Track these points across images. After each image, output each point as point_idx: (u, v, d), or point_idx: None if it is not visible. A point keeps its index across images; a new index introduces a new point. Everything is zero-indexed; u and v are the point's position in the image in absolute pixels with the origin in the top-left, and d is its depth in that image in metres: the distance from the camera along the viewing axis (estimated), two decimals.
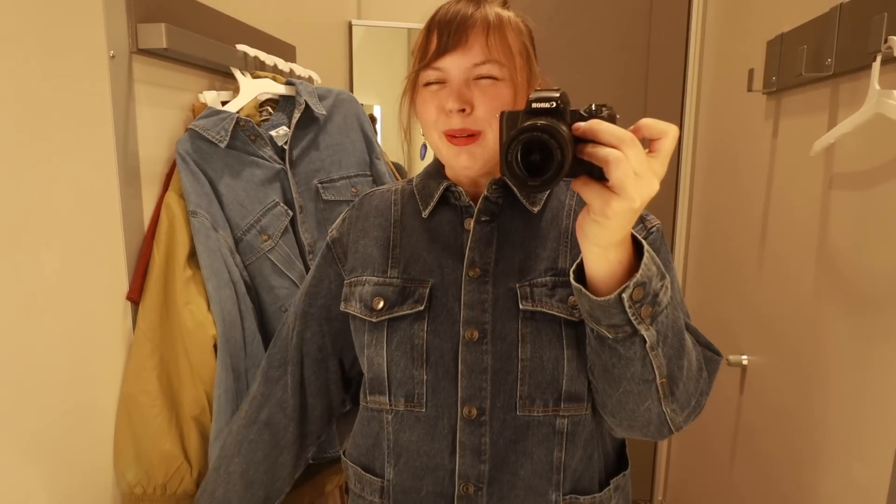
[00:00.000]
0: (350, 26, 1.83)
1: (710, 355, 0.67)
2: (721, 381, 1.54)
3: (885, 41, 0.79)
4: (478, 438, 0.67)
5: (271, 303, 1.00)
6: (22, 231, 0.68)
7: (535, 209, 0.71)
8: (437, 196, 0.72)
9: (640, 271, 0.53)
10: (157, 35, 0.84)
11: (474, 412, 0.67)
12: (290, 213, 1.03)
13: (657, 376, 0.58)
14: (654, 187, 0.50)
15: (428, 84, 0.67)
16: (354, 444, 0.78)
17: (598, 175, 0.50)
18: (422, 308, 0.69)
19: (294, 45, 1.38)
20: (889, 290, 0.84)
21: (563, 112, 0.50)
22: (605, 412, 0.67)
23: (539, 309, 0.66)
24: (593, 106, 0.51)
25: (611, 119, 0.50)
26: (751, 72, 1.25)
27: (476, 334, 0.67)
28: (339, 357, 0.80)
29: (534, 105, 0.50)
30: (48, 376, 0.73)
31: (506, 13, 0.67)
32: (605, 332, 0.57)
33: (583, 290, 0.55)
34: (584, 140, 0.49)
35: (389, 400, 0.70)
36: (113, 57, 0.81)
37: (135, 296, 0.86)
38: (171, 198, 0.90)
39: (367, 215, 0.77)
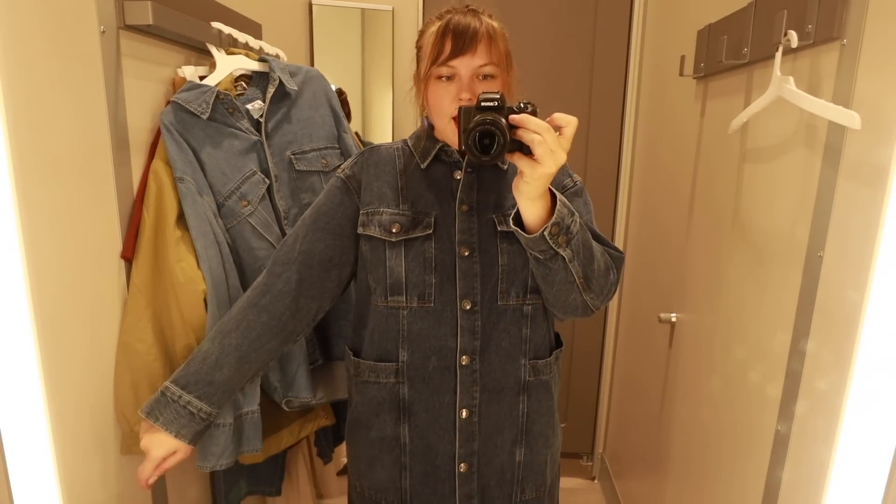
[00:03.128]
0: (310, 6, 1.89)
1: (616, 255, 0.96)
2: (653, 336, 1.72)
3: (785, 34, 0.94)
4: (472, 323, 0.95)
5: (251, 263, 1.09)
6: (27, 194, 0.75)
7: (505, 167, 0.98)
8: (433, 153, 0.97)
9: (555, 214, 0.81)
10: (143, 12, 0.90)
11: (469, 304, 0.94)
12: (267, 181, 1.11)
13: (576, 278, 0.87)
14: (562, 158, 0.78)
15: (440, 77, 0.89)
16: (370, 343, 0.99)
17: (526, 151, 0.77)
18: (430, 232, 0.94)
19: (260, 23, 1.44)
20: (781, 245, 1.00)
21: (502, 108, 0.78)
22: (548, 304, 0.96)
23: (511, 230, 0.88)
24: (522, 103, 0.79)
25: (534, 113, 0.78)
26: (682, 58, 1.40)
27: (467, 251, 0.94)
28: (340, 271, 0.99)
29: (483, 103, 0.78)
30: (55, 327, 0.80)
31: (496, 24, 0.91)
32: (538, 255, 0.86)
33: (518, 230, 0.84)
34: (516, 127, 0.77)
35: (406, 299, 0.94)
36: (103, 32, 0.87)
37: (128, 254, 0.93)
38: (158, 165, 0.97)
39: (376, 164, 0.99)
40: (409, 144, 1.01)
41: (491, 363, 0.96)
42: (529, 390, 0.99)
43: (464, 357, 0.95)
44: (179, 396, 0.91)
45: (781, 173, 1.03)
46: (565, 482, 1.36)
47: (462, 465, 0.97)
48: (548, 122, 0.78)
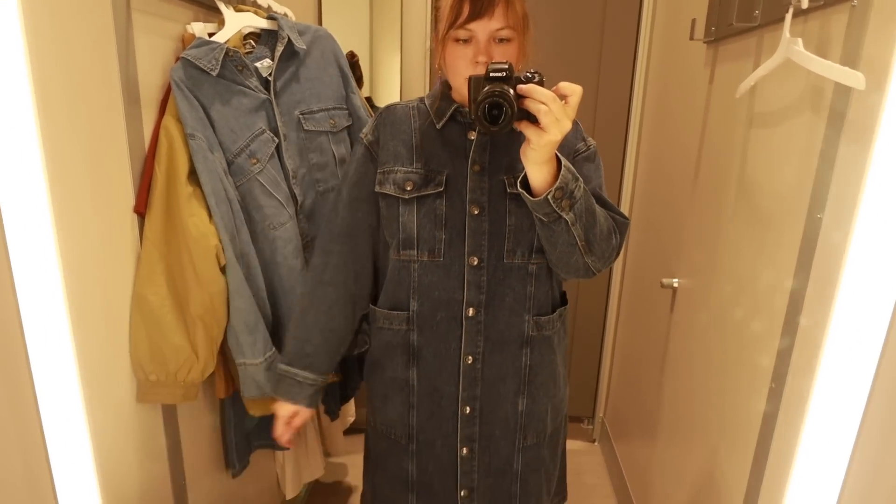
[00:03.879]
0: None
1: (620, 220, 1.00)
2: (655, 302, 1.74)
3: None
4: (479, 278, 0.99)
5: (260, 220, 1.12)
6: (48, 148, 0.77)
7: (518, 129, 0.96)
8: (448, 114, 0.99)
9: (559, 179, 0.85)
10: None
11: (476, 261, 0.99)
12: (276, 140, 1.13)
13: (578, 241, 0.91)
14: (567, 126, 0.81)
15: (457, 40, 0.90)
16: (385, 293, 1.06)
17: (533, 119, 0.80)
18: (441, 189, 0.98)
19: None
20: (783, 209, 1.02)
21: (510, 78, 0.80)
22: (551, 265, 1.00)
23: (519, 192, 0.91)
24: (529, 73, 0.81)
25: (541, 82, 0.81)
26: (693, 21, 1.38)
27: (477, 210, 0.98)
28: (382, 231, 1.05)
29: (491, 74, 0.80)
30: (77, 278, 0.83)
31: None
32: (542, 218, 0.89)
33: (524, 193, 0.87)
34: (523, 97, 0.79)
35: (417, 253, 1.00)
36: None
37: (141, 208, 0.96)
38: (169, 121, 0.98)
39: (392, 123, 1.03)
40: (426, 104, 1.03)
41: (495, 316, 1.01)
42: (532, 344, 1.04)
43: (470, 309, 1.00)
44: (287, 371, 1.06)
45: (786, 137, 1.03)
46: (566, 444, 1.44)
47: (466, 407, 1.05)
48: (553, 91, 0.81)
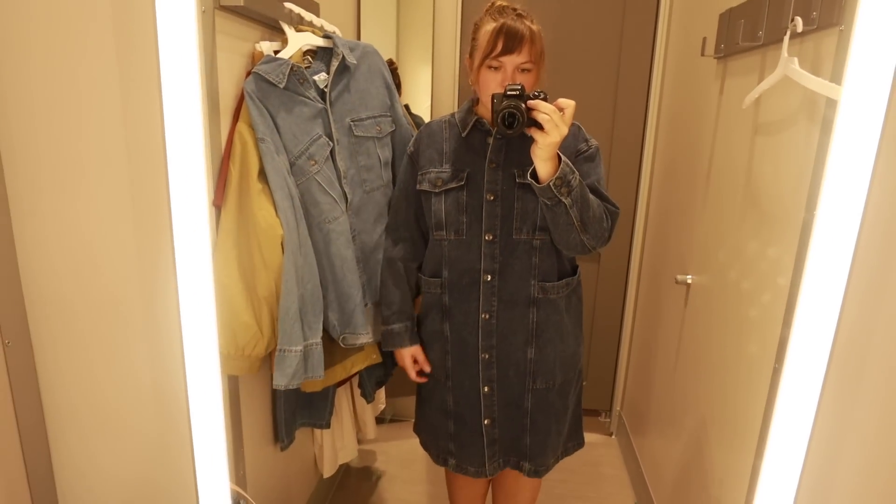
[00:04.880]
0: None
1: (612, 209, 1.25)
2: (670, 297, 1.85)
3: (792, 20, 1.06)
4: (493, 251, 1.27)
5: (316, 215, 1.26)
6: (141, 147, 0.92)
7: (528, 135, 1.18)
8: (471, 124, 1.28)
9: (559, 171, 1.11)
10: None
11: (490, 237, 1.26)
12: (331, 144, 1.27)
13: (574, 221, 1.17)
14: (564, 131, 1.08)
15: (490, 67, 1.17)
16: (426, 265, 1.37)
17: (539, 126, 1.07)
18: (463, 183, 1.26)
19: (318, 2, 1.59)
20: (784, 209, 1.13)
21: (522, 95, 1.08)
22: (555, 243, 1.25)
23: (527, 182, 1.17)
24: (536, 92, 1.10)
25: (545, 99, 1.09)
26: (704, 40, 1.51)
27: (492, 197, 1.25)
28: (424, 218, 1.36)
29: (509, 92, 1.09)
30: (162, 265, 0.98)
31: (536, 28, 1.17)
32: (546, 202, 1.15)
33: (532, 182, 1.14)
34: (532, 109, 1.07)
35: (446, 233, 1.30)
36: (204, 12, 1.03)
37: (218, 202, 1.11)
38: (242, 127, 1.13)
39: (429, 135, 1.33)
40: (456, 117, 1.32)
41: (506, 281, 1.28)
42: (538, 304, 1.30)
43: (487, 275, 1.28)
44: (387, 330, 1.40)
45: (787, 144, 1.15)
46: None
47: (485, 354, 1.32)
48: (554, 105, 1.08)
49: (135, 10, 0.89)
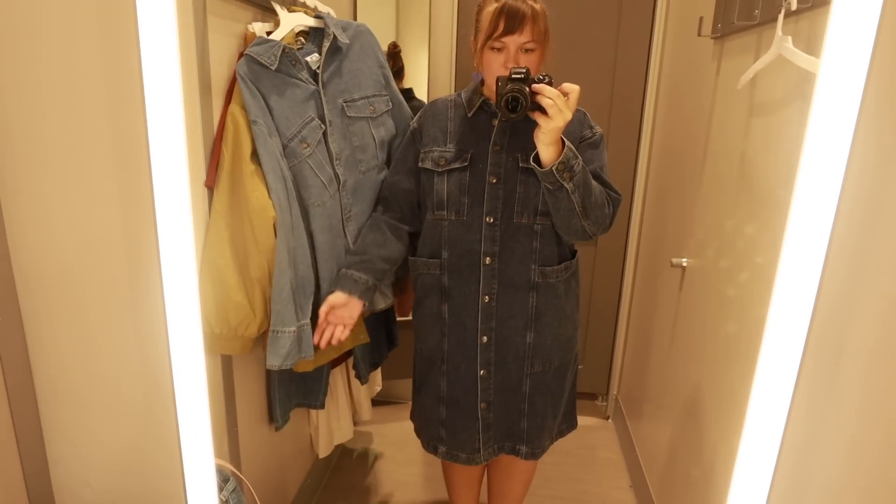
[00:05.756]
0: None
1: (614, 196, 1.25)
2: (666, 281, 1.86)
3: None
4: (493, 233, 1.26)
5: (307, 197, 1.26)
6: (124, 125, 0.92)
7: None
8: (477, 105, 1.27)
9: (562, 156, 1.11)
10: None
11: (491, 219, 1.25)
12: (323, 126, 1.27)
13: (576, 207, 1.16)
14: (568, 116, 1.07)
15: (492, 48, 1.15)
16: (423, 245, 1.35)
17: (542, 110, 1.06)
18: (466, 164, 1.26)
19: None
20: (778, 189, 1.13)
21: (527, 79, 1.07)
22: (556, 228, 1.26)
23: (529, 166, 1.17)
24: (541, 76, 1.08)
25: (549, 83, 1.07)
26: (700, 19, 1.50)
27: (494, 179, 1.24)
28: (417, 195, 1.36)
29: (513, 75, 1.07)
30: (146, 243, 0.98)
31: (539, 6, 1.15)
32: (548, 186, 1.15)
33: (535, 166, 1.14)
34: (536, 93, 1.06)
35: (446, 213, 1.28)
36: None
37: (210, 183, 1.11)
38: (235, 109, 1.13)
39: (434, 114, 1.32)
40: (462, 97, 1.31)
41: (507, 264, 1.27)
42: (538, 289, 1.30)
43: (487, 258, 1.27)
44: (346, 273, 1.31)
45: (781, 125, 1.15)
46: (580, 420, 1.56)
47: (484, 337, 1.31)
48: (559, 90, 1.07)
49: None
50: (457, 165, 1.26)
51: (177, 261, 0.69)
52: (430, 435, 1.45)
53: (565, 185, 1.13)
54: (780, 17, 1.07)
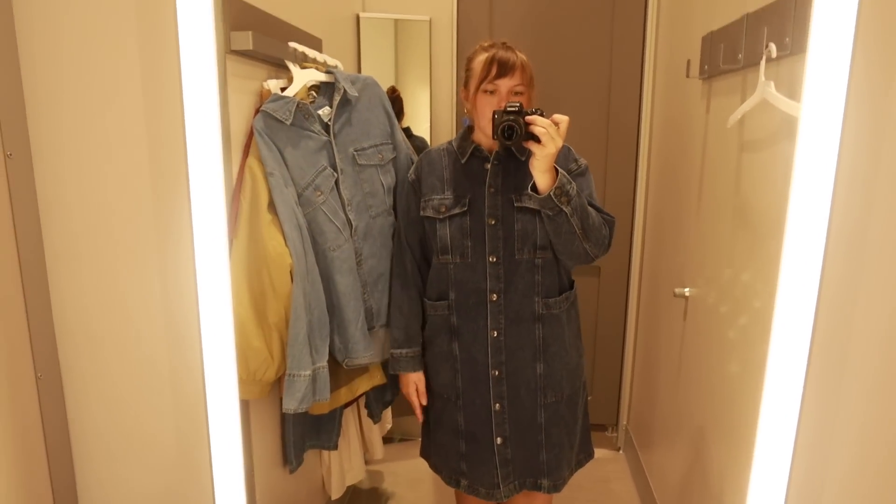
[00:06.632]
0: (358, 18, 2.12)
1: (608, 218, 1.33)
2: (669, 311, 1.90)
3: (766, 46, 1.12)
4: (497, 271, 1.33)
5: (322, 243, 1.32)
6: (167, 179, 0.98)
7: (522, 158, 1.31)
8: (469, 151, 1.36)
9: (558, 182, 1.19)
10: (245, 40, 1.13)
11: (494, 258, 1.33)
12: (335, 174, 1.34)
13: (576, 230, 1.24)
14: (559, 143, 1.16)
15: (486, 91, 1.27)
16: (430, 288, 1.42)
17: (536, 139, 1.16)
18: (465, 209, 1.33)
19: (320, 38, 1.67)
20: (771, 221, 1.19)
21: (521, 112, 1.18)
22: (558, 253, 1.32)
23: (525, 205, 1.29)
24: (534, 109, 1.19)
25: (541, 114, 1.17)
26: (688, 62, 1.58)
27: (493, 221, 1.32)
28: (427, 242, 1.42)
29: (508, 108, 1.18)
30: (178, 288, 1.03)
31: (524, 57, 1.29)
32: (547, 212, 1.22)
33: (533, 194, 1.21)
34: (530, 123, 1.15)
35: (451, 257, 1.36)
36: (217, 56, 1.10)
37: (230, 233, 1.16)
38: (252, 162, 1.20)
39: (429, 163, 1.40)
40: (454, 145, 1.40)
41: (511, 299, 1.34)
42: (543, 320, 1.36)
43: (493, 295, 1.34)
44: (401, 354, 1.44)
45: (770, 161, 1.21)
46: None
47: (495, 371, 1.36)
48: (550, 120, 1.17)
49: (162, 69, 0.97)
50: (457, 211, 1.33)
51: (213, 304, 0.75)
52: (451, 469, 1.47)
53: (564, 208, 1.20)
54: (762, 63, 1.14)
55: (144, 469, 1.10)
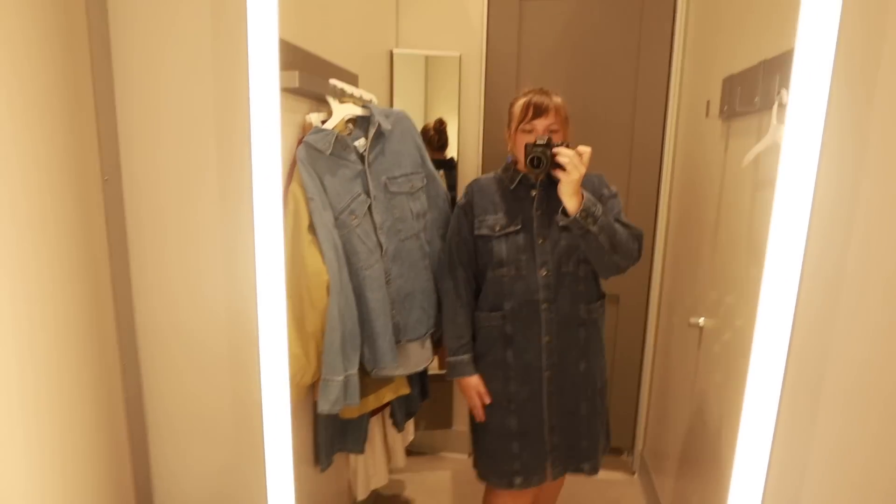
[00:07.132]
0: (391, 54, 2.24)
1: (636, 231, 1.50)
2: (685, 339, 1.95)
3: (778, 93, 1.19)
4: (547, 282, 1.51)
5: (355, 262, 1.43)
6: (224, 202, 1.10)
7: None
8: (517, 180, 1.54)
9: (584, 204, 1.35)
10: (292, 79, 1.25)
11: (545, 272, 1.51)
12: (369, 200, 1.45)
13: (605, 245, 1.40)
14: (582, 171, 1.33)
15: (524, 131, 1.46)
16: (484, 300, 1.58)
17: (562, 168, 1.33)
18: (519, 227, 1.52)
19: (357, 74, 1.79)
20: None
21: (550, 144, 1.36)
22: (594, 267, 1.51)
23: (567, 226, 1.38)
24: (561, 142, 1.36)
25: (567, 146, 1.35)
26: (708, 102, 1.65)
27: (541, 239, 1.51)
28: (475, 260, 1.59)
29: (538, 142, 1.36)
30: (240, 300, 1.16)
31: (560, 100, 1.48)
32: (577, 231, 1.38)
33: (563, 216, 1.37)
34: (556, 154, 1.34)
35: (506, 269, 1.53)
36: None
37: None
38: (295, 188, 1.32)
39: (480, 189, 1.58)
40: (501, 174, 1.59)
41: (560, 307, 1.52)
42: (586, 324, 1.56)
43: (544, 304, 1.52)
44: (458, 360, 1.59)
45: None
46: (606, 475, 1.66)
47: (547, 372, 1.55)
48: (574, 151, 1.33)
49: (232, 106, 1.12)
50: (512, 229, 1.51)
51: (270, 310, 0.89)
52: (502, 472, 1.61)
53: (590, 228, 1.36)
54: (774, 109, 1.21)
55: (207, 449, 1.26)
